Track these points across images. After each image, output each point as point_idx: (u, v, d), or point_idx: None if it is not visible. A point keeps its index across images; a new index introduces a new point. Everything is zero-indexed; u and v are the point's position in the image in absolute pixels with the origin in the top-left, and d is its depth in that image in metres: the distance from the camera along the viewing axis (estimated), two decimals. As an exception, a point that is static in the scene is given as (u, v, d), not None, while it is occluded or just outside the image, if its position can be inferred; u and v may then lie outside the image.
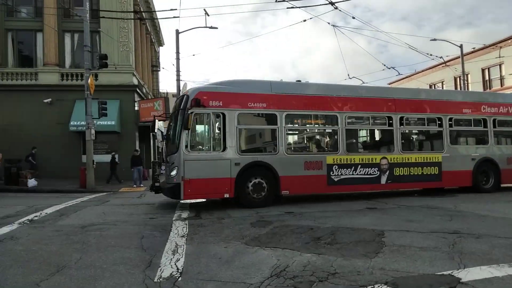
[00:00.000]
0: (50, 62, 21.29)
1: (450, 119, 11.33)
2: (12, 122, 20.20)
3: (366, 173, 10.13)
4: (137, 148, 20.82)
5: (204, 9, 20.72)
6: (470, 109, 11.69)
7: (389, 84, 35.98)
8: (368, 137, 11.66)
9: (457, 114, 11.50)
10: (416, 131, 11.86)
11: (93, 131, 16.33)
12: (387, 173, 10.36)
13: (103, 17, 19.67)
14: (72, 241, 6.07)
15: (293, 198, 10.47)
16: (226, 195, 8.92)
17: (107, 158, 19.89)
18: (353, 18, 21.66)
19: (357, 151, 10.73)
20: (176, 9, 25.82)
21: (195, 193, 8.81)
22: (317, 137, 10.98)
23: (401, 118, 10.76)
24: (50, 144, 19.91)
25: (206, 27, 22.01)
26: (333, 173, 9.84)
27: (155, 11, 28.81)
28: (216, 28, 22.86)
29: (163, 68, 39.19)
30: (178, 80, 22.79)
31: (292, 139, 10.70)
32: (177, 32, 22.72)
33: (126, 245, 5.78)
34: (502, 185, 12.12)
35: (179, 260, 4.95)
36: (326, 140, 10.91)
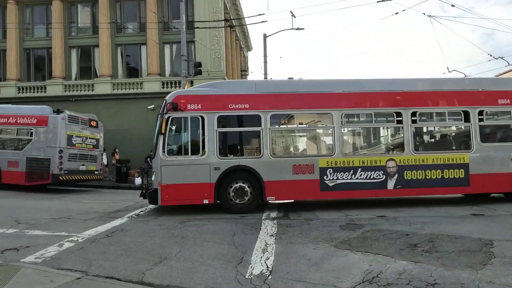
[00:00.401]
0: (152, 72, 23.46)
1: (481, 113, 9.42)
2: (122, 127, 22.71)
3: (368, 177, 8.92)
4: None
5: (291, 11, 20.85)
6: (509, 99, 9.53)
7: (497, 75, 31.94)
8: (371, 137, 10.22)
9: (490, 106, 9.53)
10: (434, 128, 10.29)
11: (189, 134, 17.51)
12: (396, 177, 9.00)
13: (198, 27, 21.03)
14: (172, 235, 6.60)
15: (386, 202, 9.93)
16: (206, 201, 8.64)
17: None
18: (452, 6, 19.75)
19: (357, 152, 9.71)
20: (263, 14, 26.46)
21: (172, 199, 8.64)
22: (308, 138, 10.07)
23: (413, 114, 9.26)
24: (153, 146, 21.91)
25: (292, 28, 22.14)
26: (327, 177, 8.84)
27: (243, 18, 29.91)
28: (303, 29, 22.88)
29: (251, 72, 40.55)
30: (266, 83, 23.21)
31: (278, 141, 9.68)
32: (265, 36, 23.23)
33: (219, 241, 6.09)
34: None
35: (268, 258, 5.06)
36: (318, 141, 9.98)
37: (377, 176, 8.95)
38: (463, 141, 9.70)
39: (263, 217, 8.13)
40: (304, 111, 9.43)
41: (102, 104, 23.14)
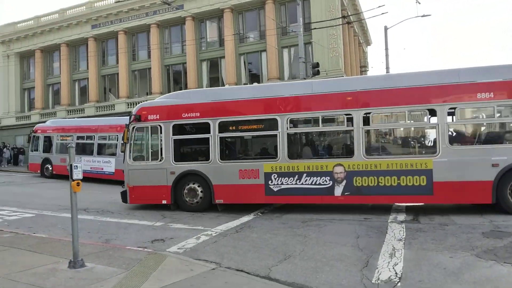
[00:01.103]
0: (272, 76, 24.39)
1: (452, 110, 7.98)
2: (246, 130, 24.19)
3: (313, 182, 8.47)
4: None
5: (415, -2, 19.25)
6: (493, 92, 7.71)
7: None
8: (319, 141, 9.77)
9: (464, 101, 7.95)
10: (392, 130, 9.48)
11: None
12: (344, 183, 8.33)
13: (315, 28, 21.07)
14: (295, 234, 6.75)
15: None
16: (164, 201, 9.38)
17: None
18: None
19: (302, 157, 9.17)
20: (384, 5, 24.92)
21: (138, 199, 9.66)
22: (255, 143, 10.19)
23: (366, 115, 8.34)
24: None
25: (417, 16, 20.44)
26: (271, 182, 8.69)
27: (362, 12, 28.79)
28: (429, 15, 20.93)
29: (371, 67, 38.81)
30: (388, 78, 22.01)
31: (226, 146, 9.75)
32: (386, 29, 22.00)
33: (342, 243, 5.99)
34: None
35: (397, 264, 4.77)
36: (264, 147, 9.89)
37: (323, 182, 8.46)
38: (427, 144, 8.75)
39: (389, 220, 7.69)
40: (249, 117, 9.33)
41: (228, 110, 25.07)
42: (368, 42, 38.87)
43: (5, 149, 29.11)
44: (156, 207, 9.76)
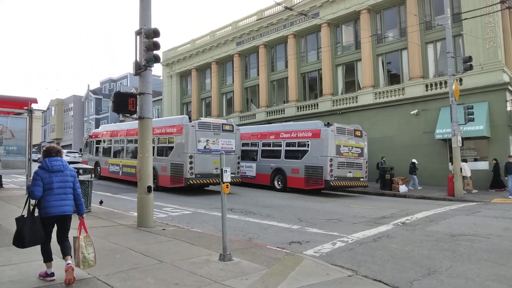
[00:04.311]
0: (415, 76, 22.56)
1: (156, 138, 15.79)
2: (384, 135, 22.88)
3: (115, 169, 19.00)
4: (512, 153, 18.11)
5: None
6: (163, 130, 16.21)
7: None
8: (117, 151, 19.68)
9: (158, 135, 15.97)
10: (135, 146, 16.28)
11: (459, 138, 15.76)
12: (122, 170, 18.41)
13: (466, 18, 18.74)
14: (442, 248, 6.16)
15: None
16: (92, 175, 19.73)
17: (474, 165, 18.73)
18: None
19: (116, 157, 19.38)
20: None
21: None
22: (113, 149, 20.77)
23: (128, 139, 18.50)
24: (417, 152, 20.90)
25: None
26: (109, 167, 19.77)
27: (529, -8, 24.22)
28: None
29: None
30: None
31: (104, 150, 20.80)
32: None
33: (500, 262, 5.23)
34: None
35: None
36: (115, 151, 20.21)
37: (117, 169, 18.81)
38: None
39: None
40: (111, 138, 20.38)
41: (365, 114, 24.13)
42: (538, 26, 32.37)
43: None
44: (291, 212, 10.12)
